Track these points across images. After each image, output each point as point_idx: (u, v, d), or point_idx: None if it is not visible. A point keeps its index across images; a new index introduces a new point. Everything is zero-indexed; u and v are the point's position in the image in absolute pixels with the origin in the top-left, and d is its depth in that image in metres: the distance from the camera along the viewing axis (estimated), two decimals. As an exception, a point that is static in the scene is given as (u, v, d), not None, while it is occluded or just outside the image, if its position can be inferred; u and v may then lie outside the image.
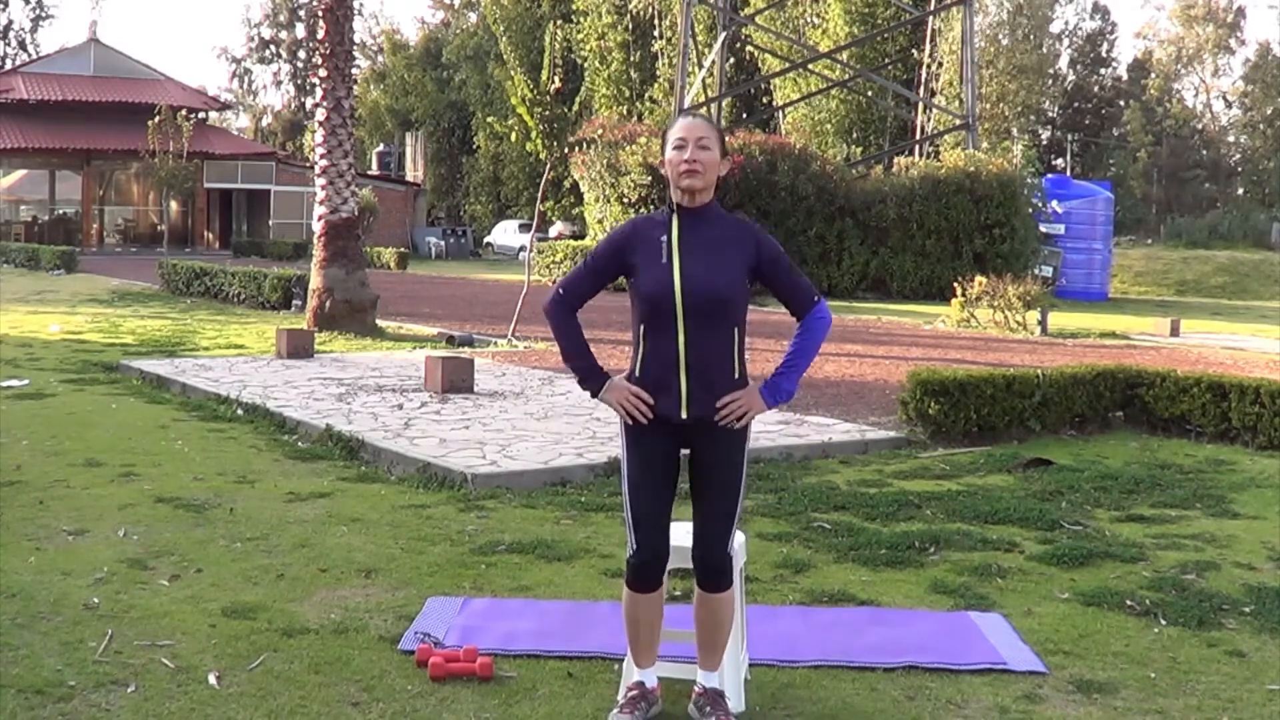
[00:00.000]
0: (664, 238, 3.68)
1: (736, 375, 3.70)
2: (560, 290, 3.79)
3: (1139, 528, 6.45)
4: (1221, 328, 22.07)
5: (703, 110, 35.96)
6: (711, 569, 3.71)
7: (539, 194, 18.34)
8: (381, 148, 60.52)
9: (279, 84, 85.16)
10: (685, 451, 3.79)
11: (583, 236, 36.91)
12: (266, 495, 6.72)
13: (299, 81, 79.43)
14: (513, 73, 16.74)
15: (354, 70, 18.65)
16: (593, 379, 3.74)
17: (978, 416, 8.91)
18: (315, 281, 16.77)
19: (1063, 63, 63.46)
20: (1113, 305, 29.07)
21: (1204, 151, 64.75)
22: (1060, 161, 60.36)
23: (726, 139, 3.84)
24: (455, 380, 10.41)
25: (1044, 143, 61.85)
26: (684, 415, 3.67)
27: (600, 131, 30.63)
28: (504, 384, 11.13)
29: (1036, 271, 27.62)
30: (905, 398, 9.10)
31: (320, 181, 16.96)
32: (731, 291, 3.64)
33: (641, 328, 3.70)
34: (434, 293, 25.94)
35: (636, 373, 3.72)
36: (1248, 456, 8.59)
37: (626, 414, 3.68)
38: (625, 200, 29.66)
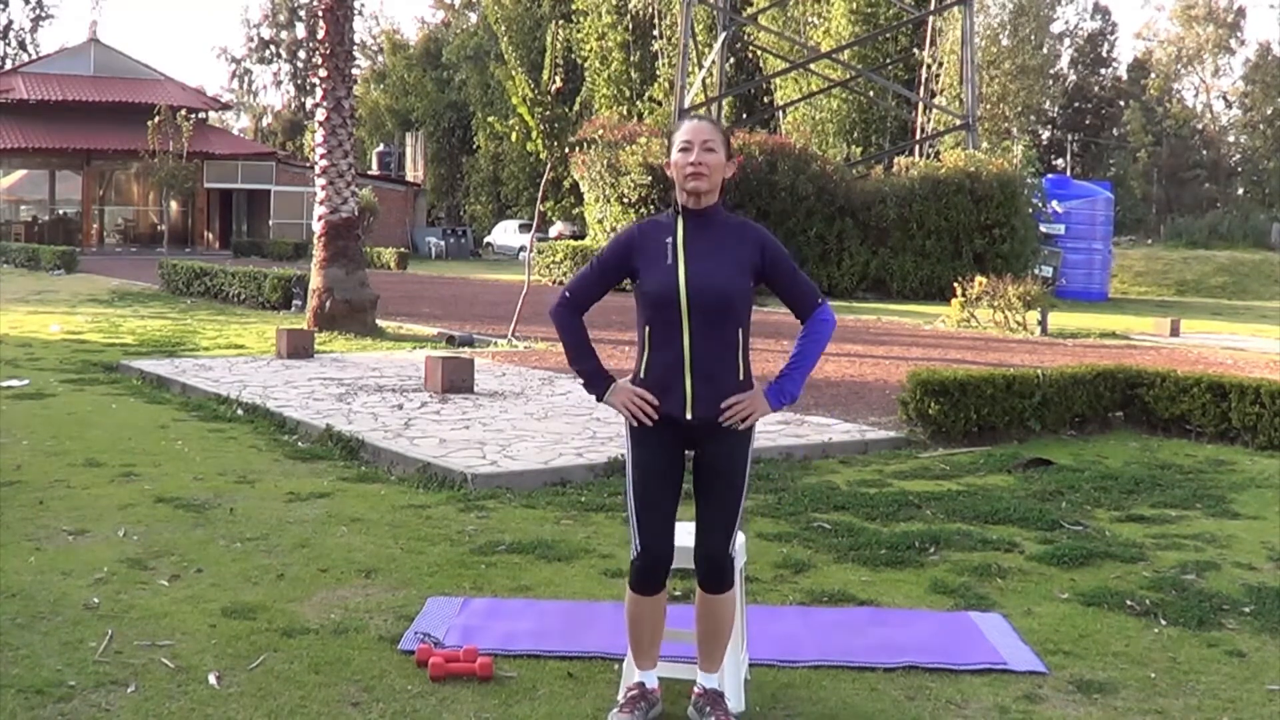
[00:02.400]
0: (669, 239, 3.71)
1: (741, 377, 3.72)
2: (566, 293, 3.84)
3: (1139, 528, 6.45)
4: (1221, 328, 22.07)
5: (703, 110, 35.95)
6: (712, 569, 3.71)
7: (539, 194, 18.34)
8: (381, 148, 60.48)
9: (279, 84, 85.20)
10: (689, 453, 3.81)
11: (583, 236, 36.88)
12: (266, 495, 6.72)
13: (299, 81, 79.40)
14: (513, 73, 16.74)
15: (354, 70, 18.64)
16: (598, 383, 3.78)
17: (978, 416, 8.91)
18: (315, 281, 16.78)
19: (1063, 63, 63.47)
20: (1113, 305, 29.07)
21: (1204, 151, 64.74)
22: (1060, 161, 60.36)
23: (729, 139, 3.85)
24: (455, 380, 10.41)
25: (1044, 143, 61.83)
26: (689, 416, 3.69)
27: (600, 131, 30.62)
28: (504, 384, 11.13)
29: (1036, 271, 27.62)
30: (905, 398, 9.10)
31: (320, 181, 16.96)
32: (735, 291, 3.67)
33: (646, 329, 3.72)
34: (434, 293, 25.93)
35: (642, 374, 3.74)
36: (1248, 456, 8.59)
37: (631, 416, 3.70)
38: (625, 200, 29.64)
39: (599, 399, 3.80)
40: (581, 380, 3.83)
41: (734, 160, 3.81)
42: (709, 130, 3.73)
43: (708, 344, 3.65)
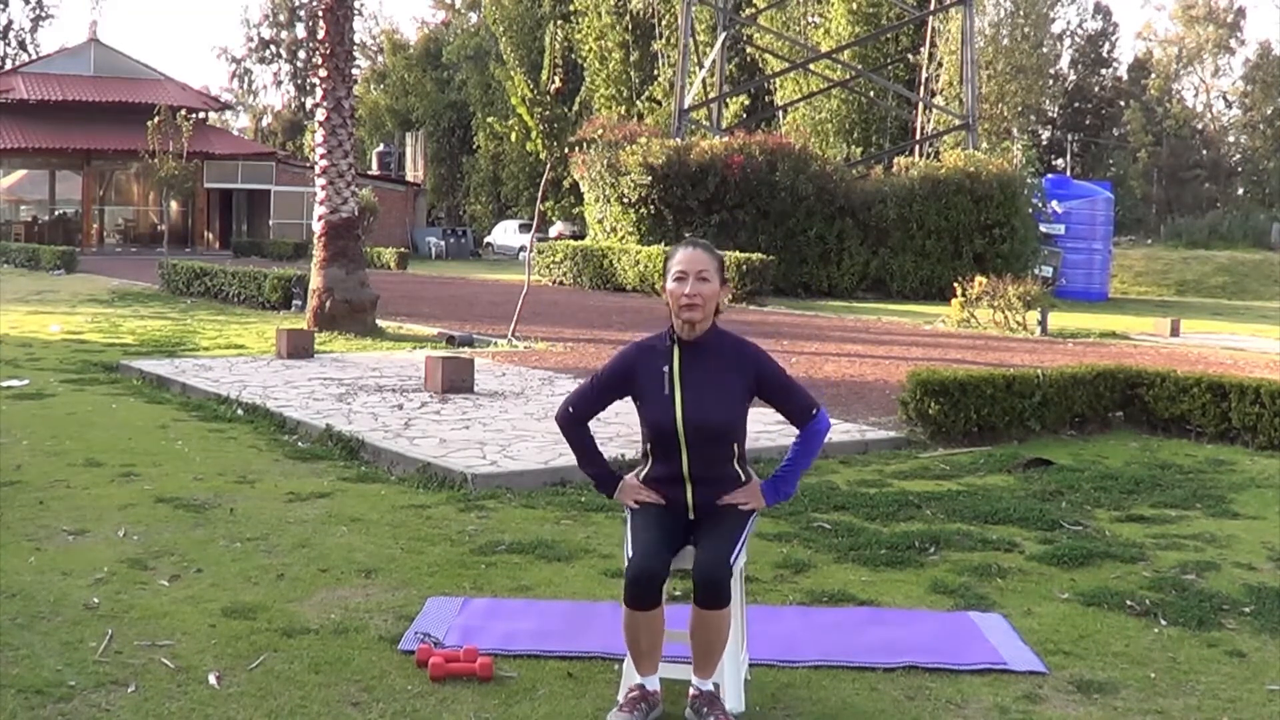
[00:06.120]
0: (665, 368, 3.88)
1: (741, 478, 3.95)
2: (570, 408, 4.06)
3: (1139, 528, 6.45)
4: (1221, 328, 22.07)
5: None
6: (710, 584, 3.70)
7: (539, 194, 18.34)
8: (381, 148, 60.43)
9: (279, 84, 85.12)
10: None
11: (582, 236, 36.86)
12: (266, 495, 6.72)
13: (299, 81, 79.36)
14: (513, 73, 16.79)
15: (354, 70, 18.64)
16: (606, 484, 4.04)
17: (978, 416, 8.91)
18: (315, 281, 16.77)
19: (1063, 63, 63.47)
20: (1113, 305, 29.06)
21: (1204, 151, 64.72)
22: (1060, 161, 60.33)
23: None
24: (455, 380, 10.41)
25: (1044, 143, 61.80)
26: (691, 517, 3.92)
27: (600, 131, 30.61)
28: (504, 384, 11.13)
29: (1036, 271, 27.60)
30: (905, 398, 9.10)
31: (320, 181, 16.95)
32: (731, 421, 3.89)
33: (648, 445, 3.97)
34: (434, 293, 25.92)
35: (642, 478, 3.99)
36: (1248, 456, 8.60)
37: (639, 505, 3.92)
38: (625, 200, 29.63)
39: (609, 497, 4.06)
40: (592, 482, 4.10)
41: (726, 286, 3.94)
42: (704, 259, 3.85)
43: (706, 461, 3.88)
